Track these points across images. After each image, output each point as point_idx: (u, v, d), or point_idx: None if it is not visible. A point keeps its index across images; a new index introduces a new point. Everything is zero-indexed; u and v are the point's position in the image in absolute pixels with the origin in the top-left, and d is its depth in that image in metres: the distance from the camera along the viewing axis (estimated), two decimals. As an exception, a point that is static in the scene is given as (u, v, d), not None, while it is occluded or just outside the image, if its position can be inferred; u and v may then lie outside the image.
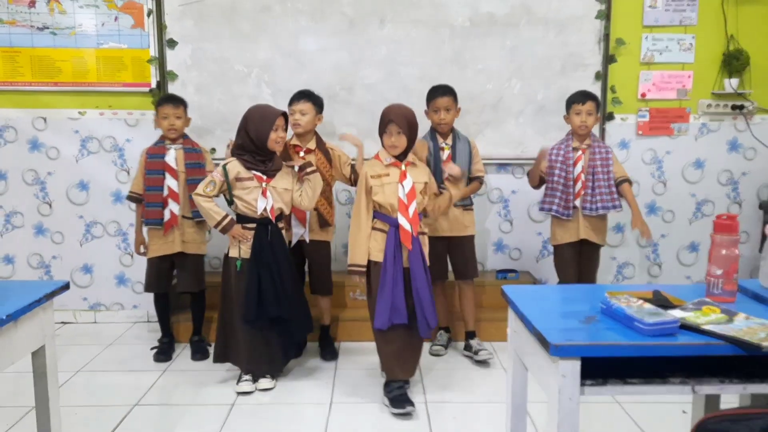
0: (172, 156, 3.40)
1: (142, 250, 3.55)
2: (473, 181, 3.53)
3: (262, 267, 3.00)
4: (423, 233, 3.06)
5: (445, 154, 3.45)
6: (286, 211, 3.12)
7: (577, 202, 3.37)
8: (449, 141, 3.46)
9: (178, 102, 3.45)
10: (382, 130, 2.98)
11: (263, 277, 2.99)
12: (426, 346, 3.52)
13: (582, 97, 3.37)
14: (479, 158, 3.55)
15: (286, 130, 3.06)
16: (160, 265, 3.49)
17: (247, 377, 3.10)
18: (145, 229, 3.51)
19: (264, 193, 2.99)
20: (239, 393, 3.06)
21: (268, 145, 2.98)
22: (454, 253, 3.55)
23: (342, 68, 3.93)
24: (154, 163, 3.40)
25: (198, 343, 3.58)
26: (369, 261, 2.98)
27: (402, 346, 2.98)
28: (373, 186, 2.97)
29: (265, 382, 3.09)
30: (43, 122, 4.00)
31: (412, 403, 2.87)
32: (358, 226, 2.99)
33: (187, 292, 3.57)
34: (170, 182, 3.38)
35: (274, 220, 3.03)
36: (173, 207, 3.39)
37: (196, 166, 3.43)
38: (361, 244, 2.97)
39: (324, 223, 3.39)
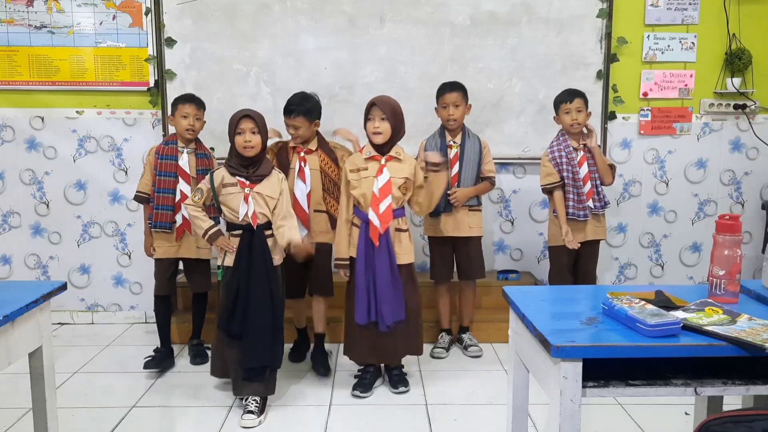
0: (186, 160, 3.32)
1: (153, 251, 3.42)
2: (483, 181, 3.48)
3: (239, 279, 2.86)
4: (401, 230, 3.01)
5: (453, 152, 3.41)
6: (271, 219, 2.97)
7: (590, 203, 3.34)
8: (458, 139, 3.42)
9: (201, 104, 3.38)
10: (366, 118, 2.97)
11: (231, 292, 2.86)
12: (427, 348, 3.50)
13: (568, 95, 3.34)
14: (490, 158, 3.50)
15: (258, 132, 2.87)
16: (168, 268, 3.41)
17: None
18: None
19: (246, 199, 2.87)
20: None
21: (237, 150, 2.87)
22: (459, 254, 3.51)
23: (341, 67, 3.91)
24: (165, 165, 3.31)
25: (197, 346, 3.52)
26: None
27: (363, 333, 3.01)
28: (351, 180, 2.98)
29: (248, 419, 2.80)
30: (40, 121, 3.98)
31: (366, 390, 3.04)
32: (340, 220, 3.06)
33: (200, 292, 3.50)
34: (183, 187, 3.29)
35: (255, 227, 2.88)
36: (186, 212, 3.29)
37: (206, 172, 3.27)
38: (342, 238, 3.05)
39: (335, 224, 3.23)
